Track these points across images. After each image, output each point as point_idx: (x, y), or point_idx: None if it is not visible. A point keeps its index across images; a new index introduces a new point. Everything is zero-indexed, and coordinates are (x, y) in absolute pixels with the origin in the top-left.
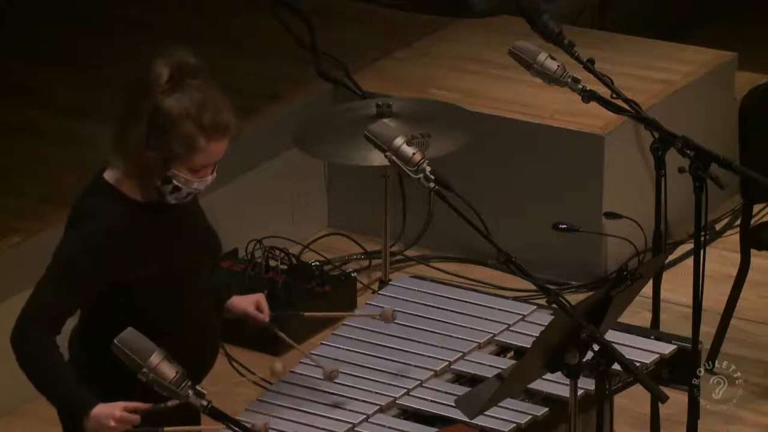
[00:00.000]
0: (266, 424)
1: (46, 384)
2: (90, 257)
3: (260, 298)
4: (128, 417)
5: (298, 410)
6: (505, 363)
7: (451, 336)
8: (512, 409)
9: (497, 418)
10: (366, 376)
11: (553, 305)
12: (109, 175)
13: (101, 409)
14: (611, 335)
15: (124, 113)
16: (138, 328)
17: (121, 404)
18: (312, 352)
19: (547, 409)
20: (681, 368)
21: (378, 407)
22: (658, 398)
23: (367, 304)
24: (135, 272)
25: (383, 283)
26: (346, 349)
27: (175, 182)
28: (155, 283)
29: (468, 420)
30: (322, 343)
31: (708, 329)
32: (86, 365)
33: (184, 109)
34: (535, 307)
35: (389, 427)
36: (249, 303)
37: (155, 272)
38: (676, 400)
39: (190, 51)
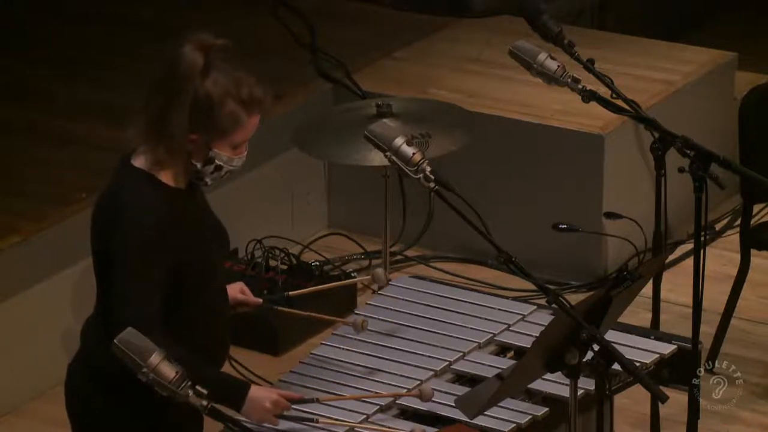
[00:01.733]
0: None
1: (192, 379)
2: (150, 245)
3: (242, 285)
4: (283, 402)
5: (299, 410)
6: (505, 363)
7: (451, 336)
8: (512, 409)
9: (497, 418)
10: (366, 376)
11: (553, 305)
12: (140, 164)
13: (258, 392)
14: (611, 335)
15: (161, 104)
16: (163, 315)
17: (277, 390)
18: (312, 352)
19: (547, 409)
20: (681, 368)
21: (378, 407)
22: (658, 398)
23: (367, 304)
24: (174, 257)
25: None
26: (346, 349)
27: (217, 161)
28: (185, 269)
29: (468, 420)
30: (322, 344)
31: (708, 329)
32: (103, 355)
33: (223, 89)
34: (535, 307)
35: (389, 427)
36: (236, 291)
37: (187, 257)
38: (676, 400)
39: (211, 33)
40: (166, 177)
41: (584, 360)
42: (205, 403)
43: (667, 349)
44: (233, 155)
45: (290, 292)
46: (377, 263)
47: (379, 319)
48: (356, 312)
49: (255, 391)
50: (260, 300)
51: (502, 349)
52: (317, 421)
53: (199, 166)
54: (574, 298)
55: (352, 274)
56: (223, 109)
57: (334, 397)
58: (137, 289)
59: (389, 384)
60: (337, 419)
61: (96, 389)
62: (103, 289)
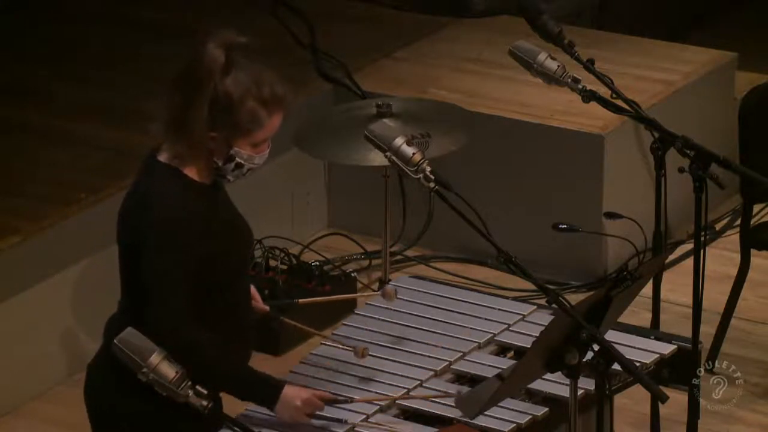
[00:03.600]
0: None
1: (225, 377)
2: (178, 237)
3: (252, 288)
4: (314, 401)
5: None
6: (505, 363)
7: (451, 336)
8: (512, 409)
9: (497, 418)
10: (365, 376)
11: (553, 305)
12: (165, 159)
13: (290, 391)
14: (611, 335)
15: (182, 100)
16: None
17: (310, 389)
18: (312, 352)
19: (547, 409)
20: (681, 368)
21: (378, 407)
22: (658, 398)
23: (367, 304)
24: (200, 250)
25: (383, 283)
26: (346, 349)
27: (238, 159)
28: (209, 265)
29: (468, 420)
30: (321, 344)
31: (708, 329)
32: None
33: (244, 88)
34: (535, 307)
35: (389, 427)
36: None
37: (211, 252)
38: (676, 400)
39: (234, 30)
40: (190, 172)
41: (584, 360)
42: (205, 403)
43: (667, 349)
44: (254, 153)
45: (300, 300)
46: (377, 263)
47: (379, 319)
48: (356, 312)
49: (288, 390)
50: (267, 308)
51: (502, 349)
52: (346, 422)
53: (220, 163)
54: (574, 298)
55: (353, 275)
56: (243, 108)
57: (370, 397)
58: (170, 281)
59: (389, 384)
60: (337, 419)
61: (118, 389)
62: (129, 284)
